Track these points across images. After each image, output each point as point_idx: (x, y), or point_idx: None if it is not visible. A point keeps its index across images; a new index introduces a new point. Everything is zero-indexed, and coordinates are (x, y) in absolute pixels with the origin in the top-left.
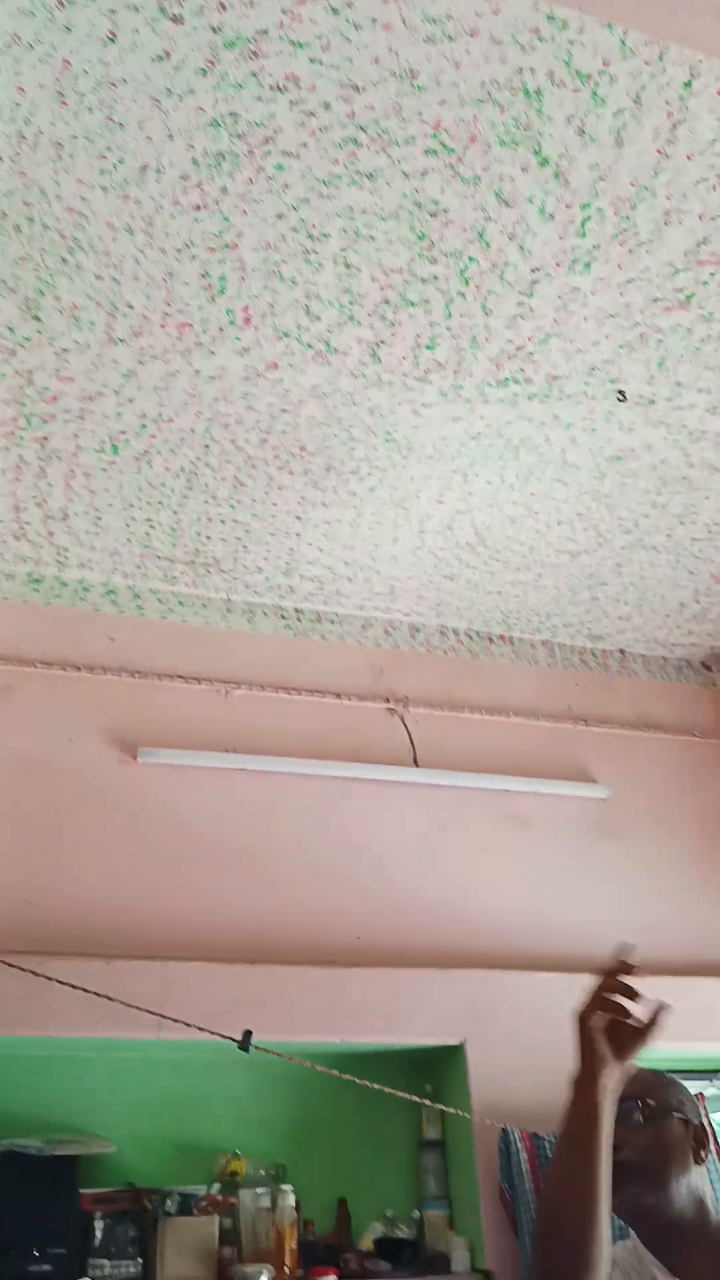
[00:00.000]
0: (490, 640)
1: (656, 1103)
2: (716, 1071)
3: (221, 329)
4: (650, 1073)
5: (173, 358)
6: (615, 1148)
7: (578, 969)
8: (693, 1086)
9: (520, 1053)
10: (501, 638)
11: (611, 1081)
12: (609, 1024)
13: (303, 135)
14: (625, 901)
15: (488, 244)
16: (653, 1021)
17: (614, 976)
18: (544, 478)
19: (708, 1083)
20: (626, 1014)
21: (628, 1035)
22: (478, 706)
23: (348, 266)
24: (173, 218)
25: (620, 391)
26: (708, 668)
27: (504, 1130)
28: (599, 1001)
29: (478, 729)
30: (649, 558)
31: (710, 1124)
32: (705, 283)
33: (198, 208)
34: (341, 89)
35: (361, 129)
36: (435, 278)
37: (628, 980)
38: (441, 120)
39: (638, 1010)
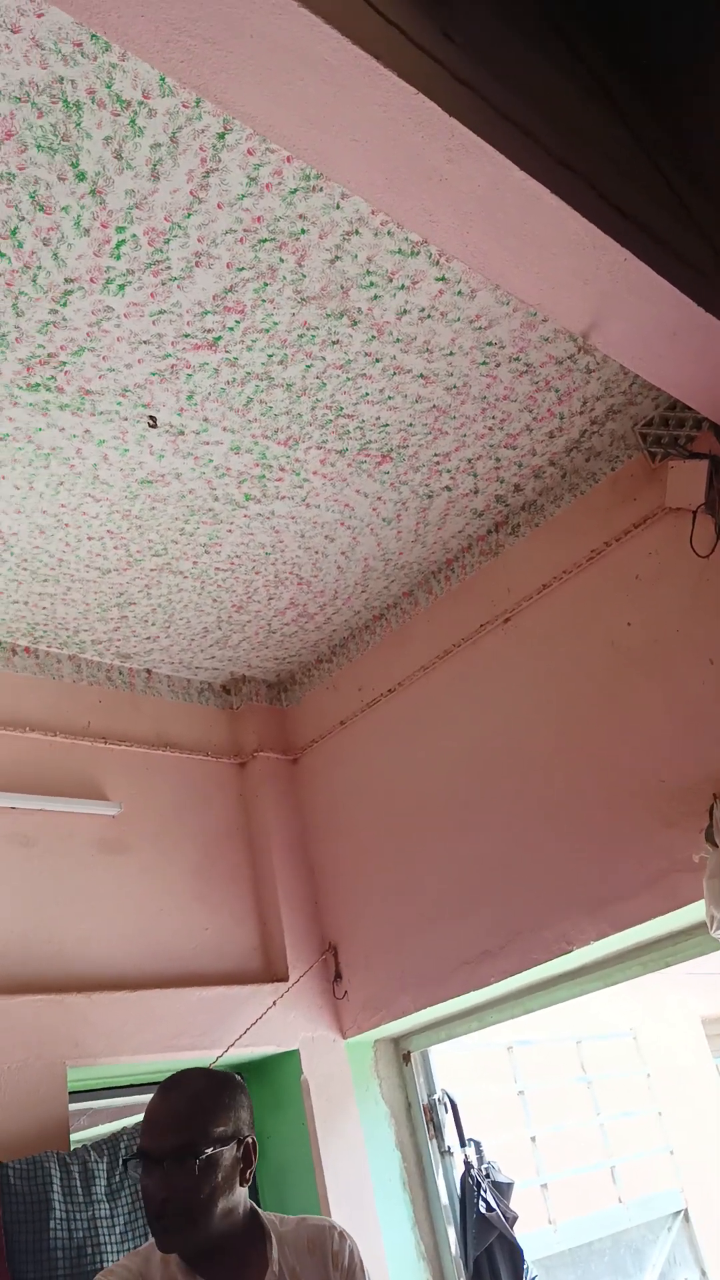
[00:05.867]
0: (14, 651)
1: (216, 1144)
2: None
3: None
4: (210, 1090)
5: None
6: (164, 1200)
7: (66, 989)
8: None
9: None
10: (26, 650)
11: None
12: None
13: None
14: (127, 917)
15: (20, 243)
16: None
17: None
18: (75, 491)
19: None
20: None
21: None
22: None
23: None
24: None
25: (152, 417)
26: (227, 691)
27: None
28: None
29: None
30: (176, 582)
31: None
32: (231, 329)
33: None
34: None
35: None
36: None
37: None
38: None
39: None
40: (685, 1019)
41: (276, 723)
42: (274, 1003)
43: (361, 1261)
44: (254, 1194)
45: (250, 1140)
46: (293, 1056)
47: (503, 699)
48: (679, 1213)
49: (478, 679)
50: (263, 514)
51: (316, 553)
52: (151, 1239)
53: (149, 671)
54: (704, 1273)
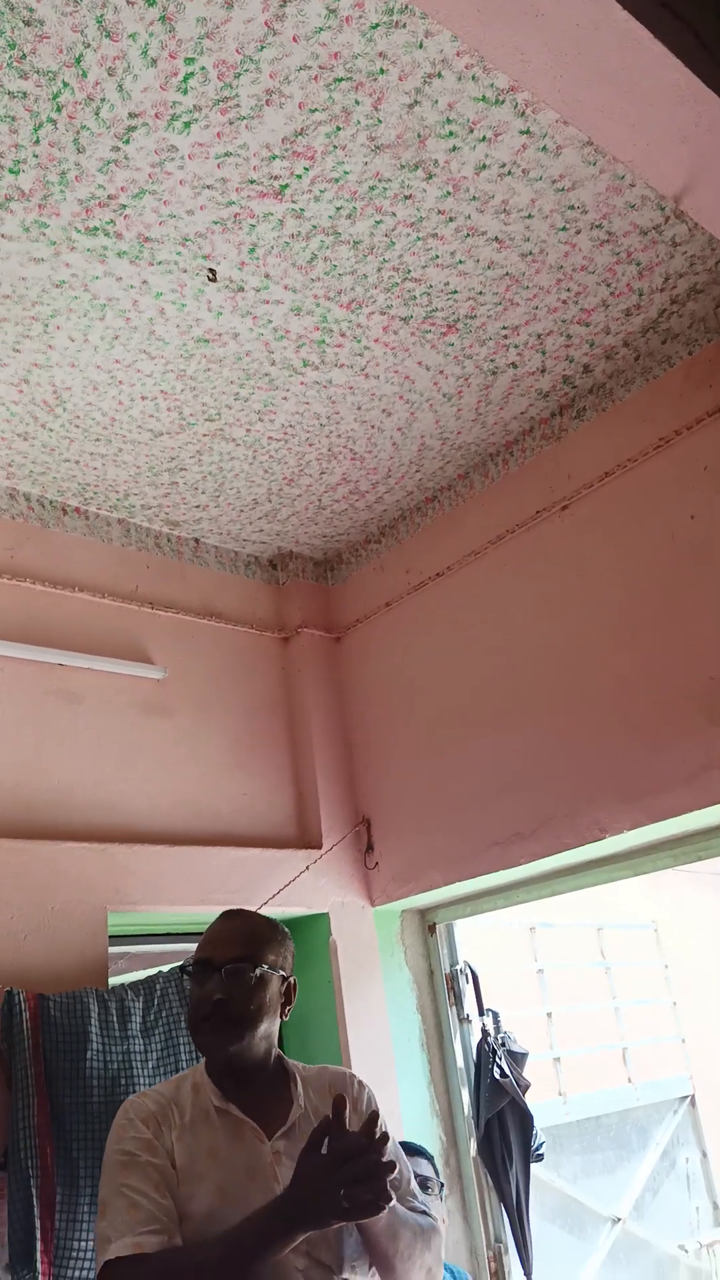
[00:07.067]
0: (64, 511)
1: (269, 966)
2: None
3: None
4: (267, 924)
5: None
6: (220, 1002)
7: (110, 839)
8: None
9: (39, 918)
10: (77, 510)
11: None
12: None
13: None
14: (168, 777)
15: (84, 72)
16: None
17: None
18: (130, 346)
19: None
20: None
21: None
22: (41, 577)
23: None
24: None
25: (211, 270)
26: (274, 566)
27: (9, 992)
28: (348, 1173)
29: (37, 600)
30: (228, 450)
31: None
32: (299, 176)
33: None
34: None
35: None
36: (25, 94)
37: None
38: None
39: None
40: (707, 917)
41: (321, 600)
42: (307, 867)
43: (378, 1109)
44: (280, 1044)
45: (293, 980)
46: (322, 919)
47: (554, 588)
48: (686, 1098)
49: (530, 567)
50: (320, 382)
51: (372, 427)
52: (183, 1070)
53: (197, 541)
54: (705, 1154)
